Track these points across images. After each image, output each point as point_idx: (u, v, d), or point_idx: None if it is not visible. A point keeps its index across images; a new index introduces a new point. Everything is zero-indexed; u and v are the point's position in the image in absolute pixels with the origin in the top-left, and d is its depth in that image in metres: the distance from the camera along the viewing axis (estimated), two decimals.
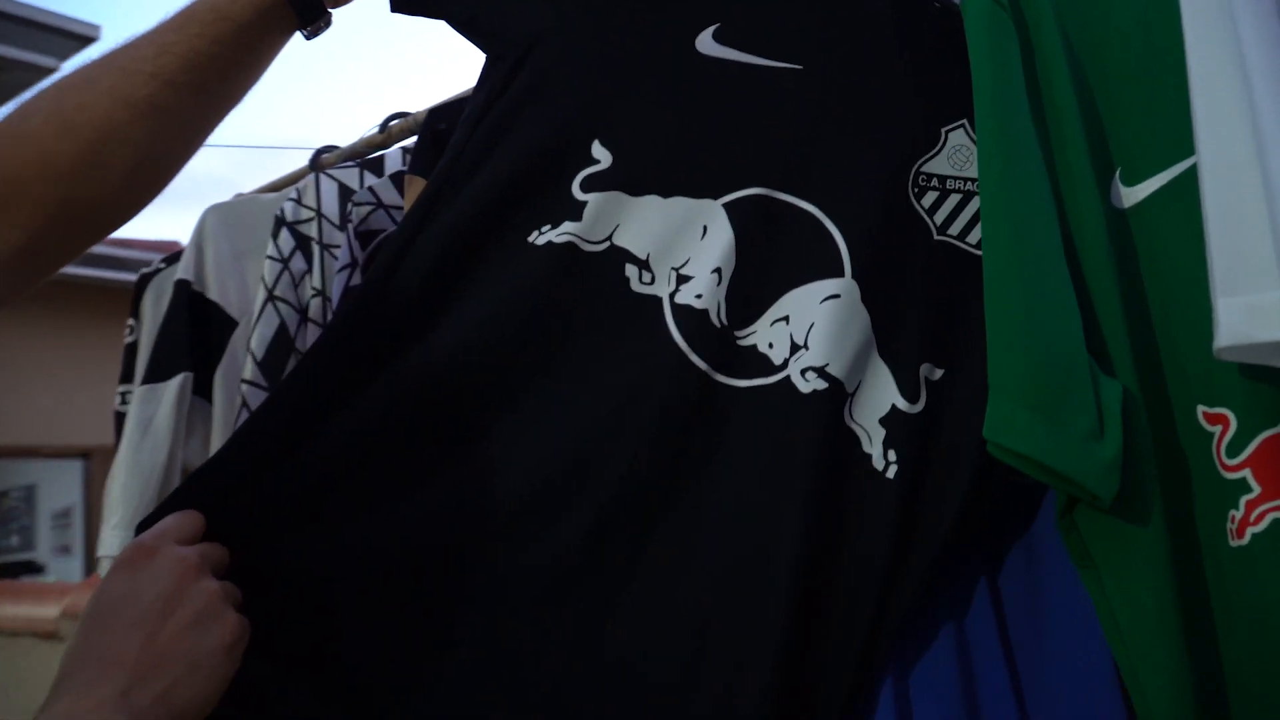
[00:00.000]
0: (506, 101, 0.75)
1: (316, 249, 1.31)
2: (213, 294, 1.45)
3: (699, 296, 0.73)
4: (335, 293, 1.22)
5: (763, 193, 0.75)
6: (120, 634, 0.59)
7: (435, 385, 0.72)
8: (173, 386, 1.40)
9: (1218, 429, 0.70)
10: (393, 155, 1.35)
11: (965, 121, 0.78)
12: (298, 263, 1.33)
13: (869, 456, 0.74)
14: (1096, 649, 0.72)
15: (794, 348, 0.73)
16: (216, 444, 1.39)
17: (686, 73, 0.77)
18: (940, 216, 0.77)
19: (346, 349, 0.72)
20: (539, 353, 0.73)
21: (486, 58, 0.78)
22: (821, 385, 0.73)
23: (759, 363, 0.73)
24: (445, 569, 0.70)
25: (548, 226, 0.74)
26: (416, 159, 1.09)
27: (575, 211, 0.74)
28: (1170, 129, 0.72)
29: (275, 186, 1.53)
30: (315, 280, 1.31)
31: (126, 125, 0.73)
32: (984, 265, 0.70)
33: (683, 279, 0.74)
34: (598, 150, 0.75)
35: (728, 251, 0.74)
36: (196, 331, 1.43)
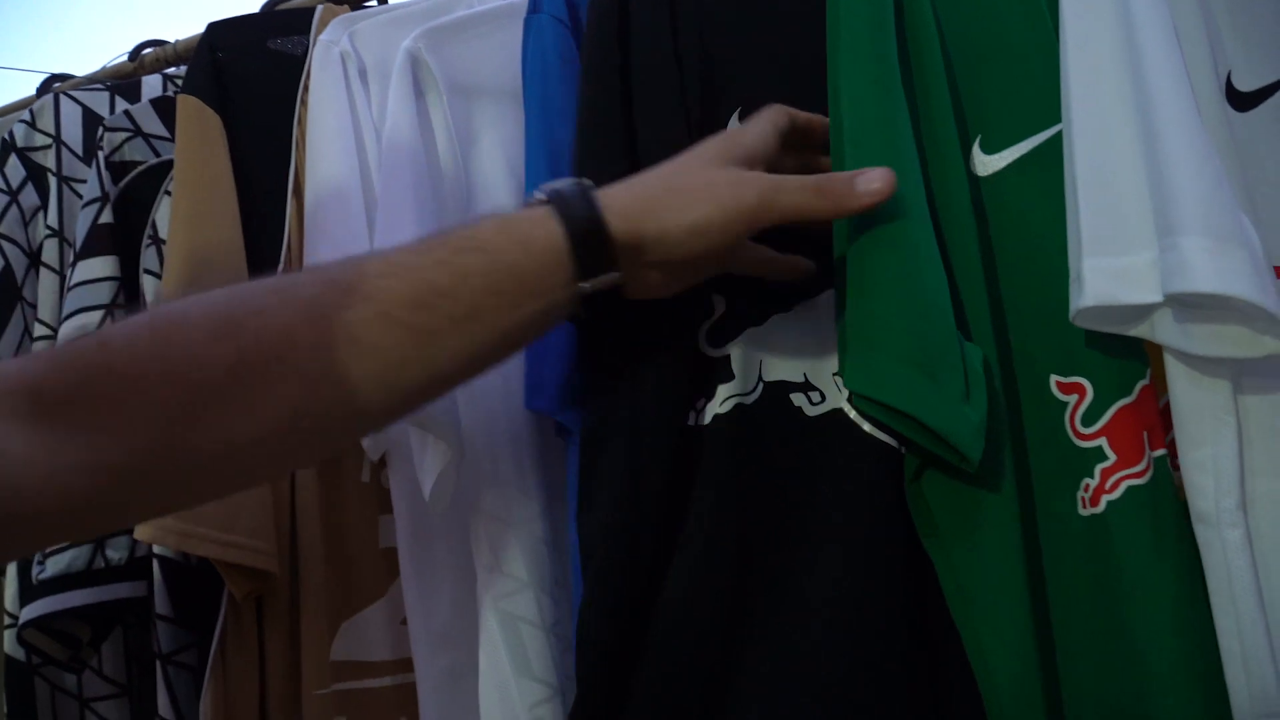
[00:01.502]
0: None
1: (54, 181, 1.11)
2: None
3: None
4: (80, 231, 1.04)
5: None
6: None
7: (680, 622, 0.67)
8: None
9: (1073, 398, 0.70)
10: (152, 81, 1.17)
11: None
12: (29, 196, 1.13)
13: None
14: None
15: None
16: None
17: None
18: None
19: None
20: (765, 529, 0.67)
21: None
22: None
23: None
24: None
25: (702, 400, 0.68)
26: (193, 78, 0.94)
27: (723, 372, 0.68)
28: (1033, 99, 0.71)
29: None
30: (50, 218, 1.11)
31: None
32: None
33: None
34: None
35: None
36: None
